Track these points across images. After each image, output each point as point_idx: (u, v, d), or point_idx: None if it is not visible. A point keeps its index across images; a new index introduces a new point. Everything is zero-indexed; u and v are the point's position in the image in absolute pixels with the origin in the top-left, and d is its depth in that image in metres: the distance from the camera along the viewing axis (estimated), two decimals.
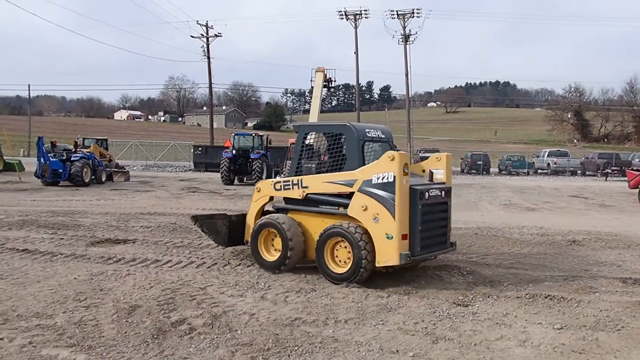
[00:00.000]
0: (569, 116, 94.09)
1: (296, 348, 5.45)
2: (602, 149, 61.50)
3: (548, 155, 46.58)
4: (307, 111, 29.44)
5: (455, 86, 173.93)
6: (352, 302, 7.02)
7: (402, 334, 5.89)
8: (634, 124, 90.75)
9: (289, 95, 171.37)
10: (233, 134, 29.50)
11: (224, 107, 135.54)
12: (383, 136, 8.78)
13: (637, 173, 22.45)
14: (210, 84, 54.51)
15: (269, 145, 28.80)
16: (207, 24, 51.60)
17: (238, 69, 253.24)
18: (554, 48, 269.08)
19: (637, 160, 43.04)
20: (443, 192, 8.17)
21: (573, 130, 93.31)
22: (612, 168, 40.51)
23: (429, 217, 7.88)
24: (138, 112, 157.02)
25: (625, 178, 25.13)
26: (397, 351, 5.42)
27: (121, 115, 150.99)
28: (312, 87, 27.40)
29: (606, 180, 37.87)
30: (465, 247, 10.91)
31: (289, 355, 5.29)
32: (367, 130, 8.64)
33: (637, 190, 21.54)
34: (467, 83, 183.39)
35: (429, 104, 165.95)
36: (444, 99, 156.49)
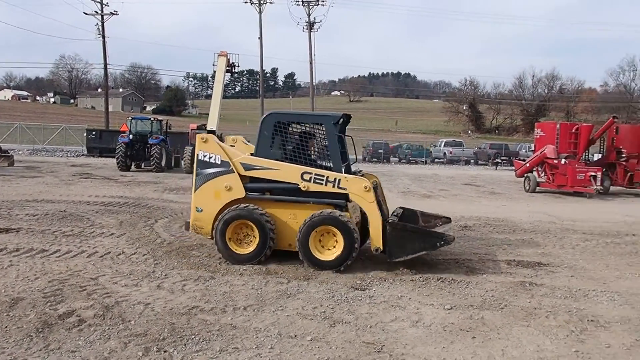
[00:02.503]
0: (464, 108, 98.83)
1: (193, 337, 5.34)
2: (493, 140, 65.21)
3: (444, 145, 48.69)
4: (209, 96, 28.83)
5: (359, 76, 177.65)
6: (251, 289, 6.99)
7: (300, 319, 5.94)
8: (522, 117, 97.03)
9: (190, 79, 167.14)
10: (130, 118, 28.19)
11: (120, 90, 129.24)
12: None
13: (523, 163, 24.01)
14: (106, 64, 51.79)
15: (168, 130, 27.92)
16: (101, 0, 48.97)
17: (136, 49, 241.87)
18: (453, 42, 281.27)
19: (523, 150, 46.06)
20: None
21: (468, 121, 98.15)
22: (502, 158, 43.05)
23: None
24: (24, 92, 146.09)
25: (513, 167, 26.80)
26: (295, 336, 5.46)
27: (5, 95, 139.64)
28: (215, 72, 26.80)
29: (496, 169, 40.19)
30: None
31: (185, 344, 5.17)
32: None
33: (523, 178, 23.09)
34: (370, 73, 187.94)
35: (333, 93, 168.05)
36: (347, 88, 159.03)
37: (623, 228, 13.02)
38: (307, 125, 8.94)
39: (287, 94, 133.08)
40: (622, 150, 22.35)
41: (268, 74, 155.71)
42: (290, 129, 8.86)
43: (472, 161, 46.99)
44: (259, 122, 9.00)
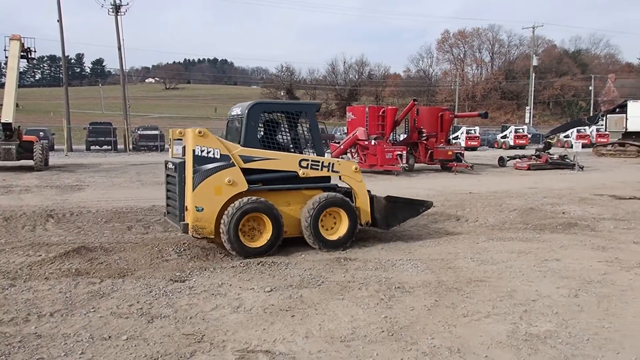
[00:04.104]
0: (282, 94, 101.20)
1: None
2: None
3: None
4: (3, 85, 25.73)
5: (174, 62, 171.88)
6: (59, 293, 6.44)
7: (115, 319, 5.62)
8: (336, 101, 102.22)
9: None
10: None
11: None
12: (239, 113, 8.88)
13: (338, 145, 25.29)
14: None
15: None
16: None
17: None
18: (268, 29, 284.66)
19: (339, 134, 48.52)
20: (174, 166, 8.45)
21: None
22: None
23: (168, 187, 8.99)
24: None
25: (329, 150, 28.10)
26: (109, 337, 5.15)
27: None
28: (7, 58, 24.05)
29: None
30: None
31: None
32: (233, 109, 9.36)
33: None
34: (186, 59, 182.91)
35: (147, 80, 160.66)
36: (162, 75, 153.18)
37: None
38: (292, 113, 9.06)
39: (96, 82, 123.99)
40: (423, 130, 24.61)
41: (73, 60, 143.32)
42: (275, 117, 9.02)
43: None
44: (244, 112, 8.59)
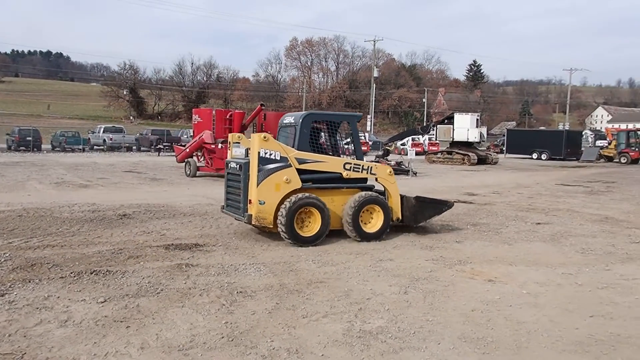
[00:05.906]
0: (125, 93, 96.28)
1: None
2: (156, 126, 65.35)
3: (104, 132, 46.63)
4: None
5: None
6: None
7: None
8: (183, 103, 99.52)
9: None
10: None
11: None
12: (292, 121, 10.19)
13: (183, 148, 24.66)
14: None
15: None
16: None
17: None
18: (110, 23, 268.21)
19: (185, 136, 47.29)
20: (238, 166, 9.86)
21: (129, 107, 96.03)
22: (164, 144, 43.36)
23: (229, 183, 10.39)
24: None
25: (174, 153, 27.27)
26: None
27: None
28: None
29: (159, 155, 40.30)
30: (6, 232, 9.91)
31: None
32: (285, 117, 10.64)
33: (184, 164, 23.73)
34: (13, 50, 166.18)
35: None
36: None
37: None
38: (337, 123, 10.46)
39: None
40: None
41: None
42: (323, 126, 10.25)
43: (134, 148, 46.24)
44: (298, 121, 9.94)
